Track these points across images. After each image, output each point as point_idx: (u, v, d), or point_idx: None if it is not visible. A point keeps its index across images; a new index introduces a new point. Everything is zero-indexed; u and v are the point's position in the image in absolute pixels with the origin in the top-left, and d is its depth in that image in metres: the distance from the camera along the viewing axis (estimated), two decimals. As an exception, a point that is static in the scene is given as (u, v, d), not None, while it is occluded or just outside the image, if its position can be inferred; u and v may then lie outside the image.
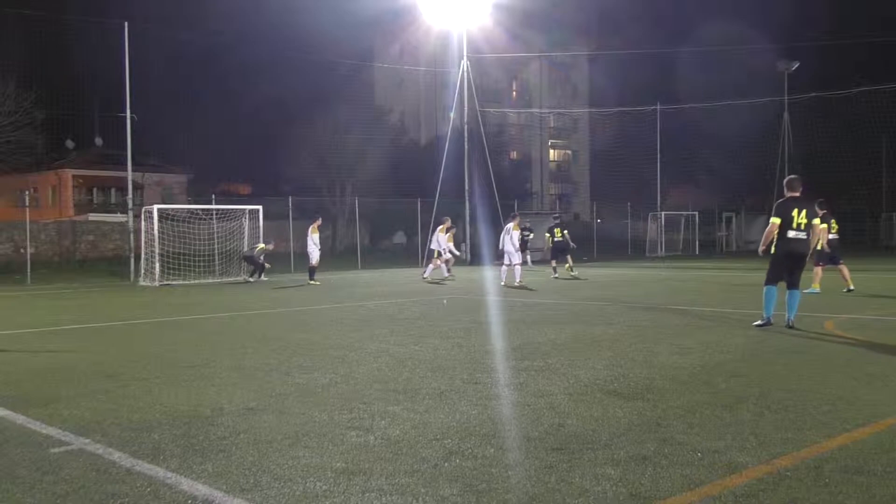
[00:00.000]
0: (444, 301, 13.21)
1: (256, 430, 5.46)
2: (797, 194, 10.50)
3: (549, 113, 74.94)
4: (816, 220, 10.65)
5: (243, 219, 26.94)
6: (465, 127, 38.97)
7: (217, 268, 26.22)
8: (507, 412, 5.98)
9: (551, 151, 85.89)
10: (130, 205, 29.01)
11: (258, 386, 7.09)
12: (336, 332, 11.22)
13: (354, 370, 7.88)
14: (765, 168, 56.75)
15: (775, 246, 10.46)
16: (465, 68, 38.26)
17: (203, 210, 27.89)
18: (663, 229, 47.35)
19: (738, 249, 50.57)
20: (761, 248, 10.74)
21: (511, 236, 20.89)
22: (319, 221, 23.80)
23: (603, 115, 58.41)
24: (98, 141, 53.58)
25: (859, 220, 60.80)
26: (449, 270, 24.97)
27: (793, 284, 10.49)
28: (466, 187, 38.85)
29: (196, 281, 24.44)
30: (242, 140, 55.15)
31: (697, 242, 48.73)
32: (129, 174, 28.00)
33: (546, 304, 15.13)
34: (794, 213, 10.26)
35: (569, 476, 4.34)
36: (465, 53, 38.25)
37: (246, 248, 25.68)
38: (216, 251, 26.58)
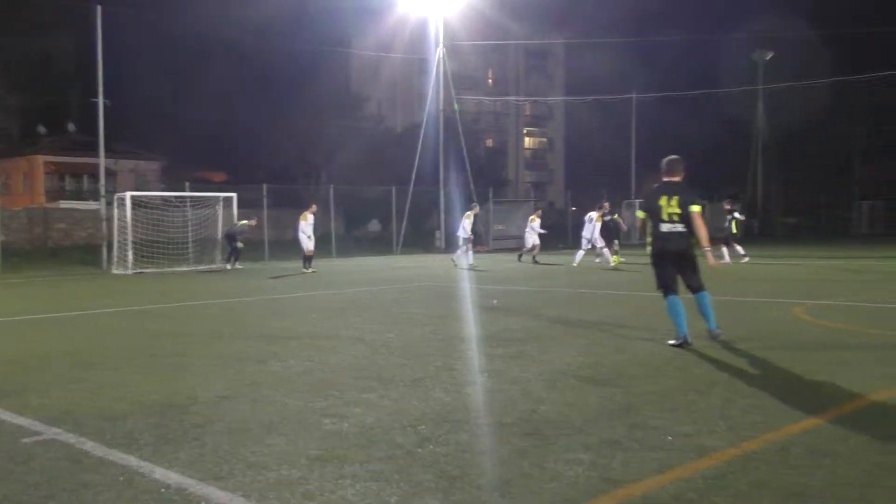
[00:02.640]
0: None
1: (230, 419, 5.46)
2: (673, 179, 8.41)
3: (525, 101, 75.00)
4: (695, 207, 8.19)
5: (217, 206, 26.76)
6: (441, 115, 38.93)
7: (191, 256, 26.04)
8: (481, 398, 6.02)
9: (527, 139, 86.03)
10: (103, 192, 28.66)
11: (232, 374, 7.08)
12: (311, 319, 11.20)
13: (329, 358, 7.89)
14: (739, 156, 57.26)
15: (650, 244, 8.48)
16: (442, 56, 38.19)
17: (177, 197, 27.66)
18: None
19: (712, 237, 50.97)
20: (648, 249, 8.72)
21: (594, 226, 22.82)
22: (313, 209, 22.58)
23: (579, 104, 58.56)
24: (70, 127, 52.87)
25: (833, 209, 61.55)
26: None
27: (694, 288, 8.48)
28: (442, 175, 38.86)
29: (170, 269, 24.26)
30: (218, 127, 54.69)
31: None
32: (102, 160, 27.66)
33: (522, 292, 15.20)
34: (663, 201, 8.23)
35: (542, 461, 4.38)
36: (441, 41, 38.17)
37: (227, 228, 25.30)
38: (190, 239, 26.39)
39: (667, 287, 8.36)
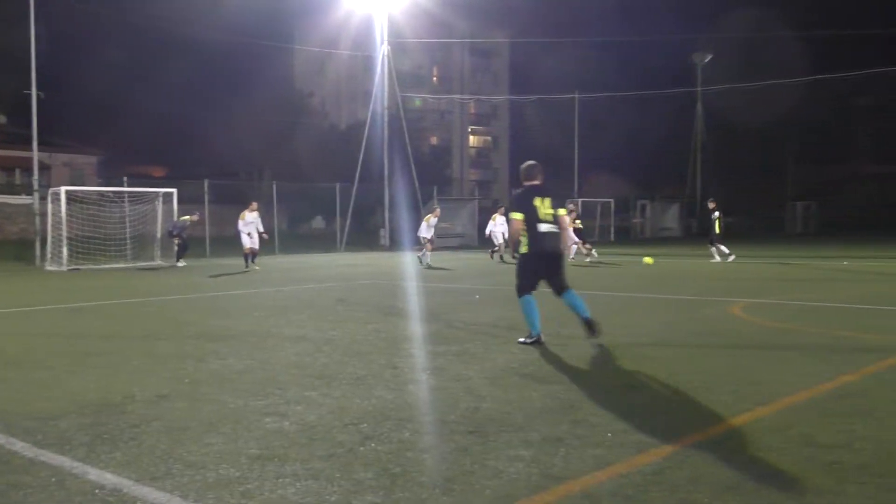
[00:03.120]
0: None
1: (168, 418, 5.35)
2: (537, 183, 8.59)
3: (470, 99, 75.23)
4: (563, 211, 8.54)
5: (157, 202, 26.25)
6: (386, 112, 38.81)
7: (129, 252, 25.50)
8: (423, 396, 6.01)
9: (471, 137, 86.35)
10: (36, 186, 27.89)
11: (171, 373, 6.94)
12: (252, 317, 11.06)
13: (271, 356, 7.80)
14: (678, 156, 58.35)
15: (527, 245, 8.42)
16: (386, 53, 38.07)
17: (114, 192, 27.05)
18: (580, 216, 48.16)
19: (651, 236, 51.86)
20: (513, 252, 8.91)
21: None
22: (253, 207, 21.92)
23: (523, 103, 58.96)
24: (2, 119, 51.31)
25: (767, 209, 63.13)
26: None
27: (561, 289, 8.48)
28: (386, 172, 38.75)
29: (107, 266, 23.72)
30: (158, 122, 53.70)
31: (613, 229, 49.77)
32: (35, 154, 26.91)
33: (467, 289, 15.23)
34: (538, 202, 8.36)
35: (483, 458, 4.39)
36: (385, 38, 38.04)
37: (172, 228, 24.79)
38: (128, 235, 25.83)
39: (529, 288, 8.47)
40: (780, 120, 57.81)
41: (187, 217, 24.50)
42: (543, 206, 8.36)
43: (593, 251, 24.60)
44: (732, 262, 22.34)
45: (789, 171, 66.09)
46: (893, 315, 10.60)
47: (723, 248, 23.26)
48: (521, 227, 8.41)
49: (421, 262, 23.38)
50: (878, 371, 6.68)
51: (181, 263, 23.98)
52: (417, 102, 72.20)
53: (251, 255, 21.75)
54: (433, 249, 24.52)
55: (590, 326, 8.26)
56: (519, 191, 8.87)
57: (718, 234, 23.48)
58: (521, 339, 8.48)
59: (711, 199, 24.17)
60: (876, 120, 60.64)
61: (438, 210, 25.84)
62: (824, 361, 7.14)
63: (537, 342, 8.28)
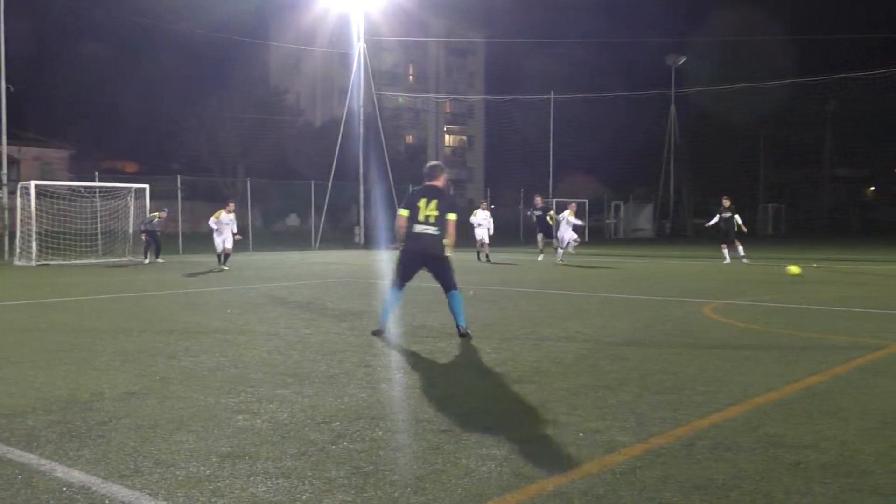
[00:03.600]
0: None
1: (138, 415, 5.31)
2: (434, 183, 8.81)
3: (446, 98, 75.23)
4: (451, 216, 8.61)
5: (129, 197, 26.01)
6: (361, 110, 38.71)
7: (100, 248, 25.24)
8: (396, 395, 6.01)
9: (447, 137, 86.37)
10: (5, 180, 27.51)
11: (141, 370, 6.88)
12: (225, 315, 10.99)
13: (243, 353, 7.75)
14: (652, 158, 58.77)
15: (404, 241, 8.81)
16: (363, 51, 37.97)
17: (85, 187, 26.75)
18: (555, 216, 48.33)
19: (625, 236, 52.18)
20: (396, 245, 9.11)
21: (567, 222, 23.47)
22: (230, 207, 21.01)
23: (498, 102, 59.07)
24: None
25: (739, 210, 63.56)
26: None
27: (446, 287, 8.79)
28: (361, 170, 38.66)
29: (78, 261, 23.46)
30: (130, 116, 53.06)
31: (587, 229, 50.00)
32: (4, 147, 26.54)
33: (440, 289, 15.21)
34: (422, 203, 8.58)
35: (455, 457, 4.40)
36: (362, 36, 37.95)
37: (140, 224, 24.51)
38: (99, 230, 25.57)
39: (395, 282, 8.87)
40: (753, 123, 58.42)
41: (156, 213, 24.22)
42: (426, 208, 8.57)
43: (559, 251, 24.07)
44: (735, 262, 22.43)
45: (761, 174, 66.79)
46: (860, 317, 10.75)
47: (740, 248, 22.86)
48: (404, 223, 8.69)
49: None
50: (844, 372, 6.78)
51: (147, 260, 23.69)
52: (400, 100, 72.13)
53: (224, 256, 20.93)
54: None
55: (461, 334, 8.68)
56: (414, 189, 9.21)
57: (738, 232, 23.08)
58: (373, 330, 8.97)
59: (726, 197, 23.72)
60: (844, 124, 61.46)
61: (484, 203, 25.35)
62: (792, 362, 7.23)
63: (380, 332, 8.76)
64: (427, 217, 8.57)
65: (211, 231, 21.08)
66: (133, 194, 25.99)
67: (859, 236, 48.57)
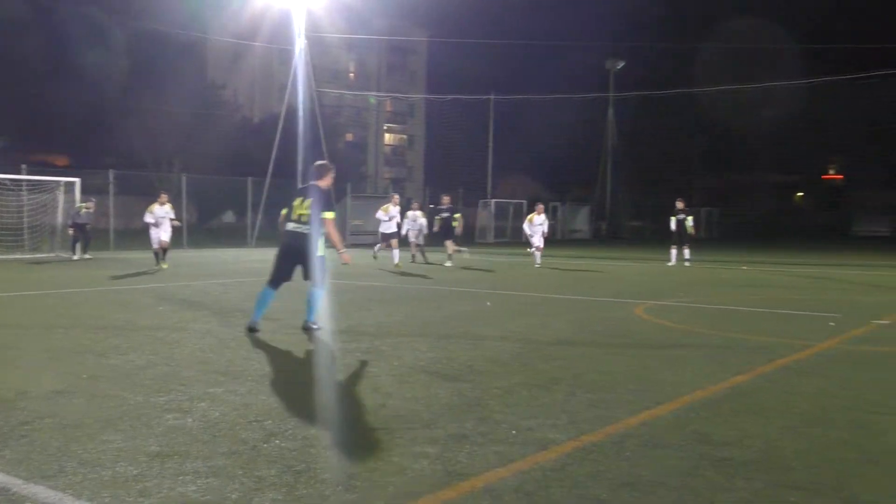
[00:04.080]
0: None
1: (64, 415, 5.17)
2: (318, 183, 8.91)
3: (386, 97, 75.06)
4: (327, 215, 8.62)
5: (57, 191, 25.29)
6: (301, 107, 38.34)
7: (27, 243, 24.49)
8: (330, 393, 5.99)
9: (387, 135, 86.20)
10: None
11: (68, 368, 6.71)
12: (157, 312, 10.78)
13: (175, 351, 7.62)
14: (589, 160, 59.54)
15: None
16: (303, 48, 37.63)
17: (11, 180, 25.90)
18: (493, 217, 48.68)
19: (562, 237, 52.75)
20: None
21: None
22: (162, 199, 19.66)
23: (439, 102, 59.16)
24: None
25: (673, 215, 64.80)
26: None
27: (276, 281, 8.98)
28: (300, 168, 38.28)
29: (3, 256, 22.73)
30: (60, 108, 51.54)
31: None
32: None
33: (377, 288, 15.21)
34: (297, 202, 8.77)
35: (388, 455, 4.40)
36: (302, 32, 37.60)
37: (69, 219, 23.71)
38: (26, 225, 24.80)
39: (272, 280, 8.94)
40: (688, 127, 59.70)
41: (82, 205, 23.44)
42: (300, 207, 8.69)
43: (463, 252, 22.97)
44: (676, 265, 22.78)
45: (696, 178, 68.28)
46: (785, 318, 11.07)
47: (686, 252, 23.16)
48: (283, 220, 8.87)
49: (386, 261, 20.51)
50: (768, 371, 6.98)
51: (76, 256, 22.97)
52: (371, 100, 71.71)
53: (161, 252, 19.45)
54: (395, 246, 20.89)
55: (305, 328, 8.91)
56: (297, 189, 9.32)
57: (689, 234, 23.28)
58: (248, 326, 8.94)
59: (680, 199, 23.91)
60: (776, 131, 63.29)
61: (396, 197, 22.40)
62: (719, 362, 7.41)
63: (251, 329, 8.77)
64: (300, 216, 8.67)
65: (147, 227, 19.89)
66: (62, 188, 25.27)
67: (788, 240, 50.00)
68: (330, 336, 8.77)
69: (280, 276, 8.91)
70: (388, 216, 21.32)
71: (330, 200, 8.82)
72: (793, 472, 4.20)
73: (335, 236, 8.78)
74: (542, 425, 5.06)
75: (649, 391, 6.10)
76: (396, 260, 20.25)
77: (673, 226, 23.52)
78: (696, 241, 25.43)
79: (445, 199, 23.39)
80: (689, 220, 23.25)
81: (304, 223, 8.65)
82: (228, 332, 8.96)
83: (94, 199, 24.52)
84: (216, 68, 64.15)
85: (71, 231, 23.27)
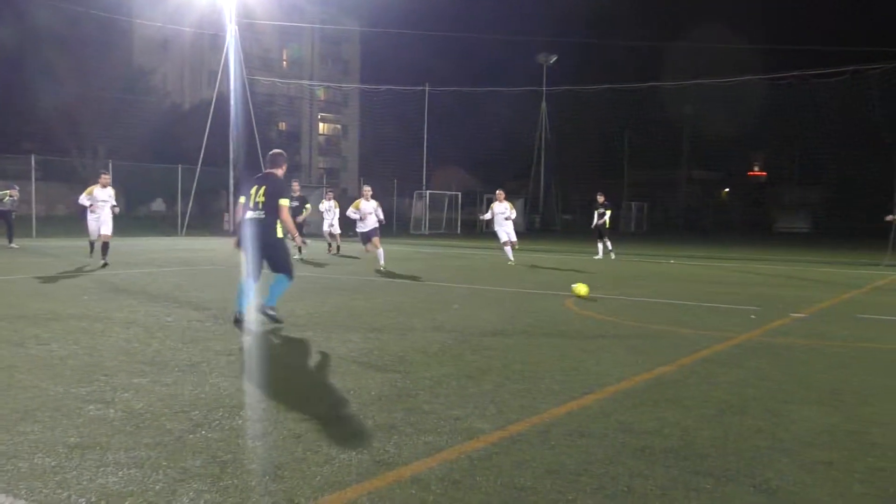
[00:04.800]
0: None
1: (-21, 406, 5.02)
2: (273, 171, 9.14)
3: (319, 86, 74.31)
4: (282, 201, 8.83)
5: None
6: (232, 94, 37.72)
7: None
8: (258, 384, 5.94)
9: (321, 125, 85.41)
10: None
11: (-15, 358, 6.51)
12: (81, 301, 10.52)
13: (98, 341, 7.46)
14: (523, 153, 60.04)
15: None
16: (234, 34, 37.00)
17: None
18: (428, 208, 48.73)
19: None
20: (233, 228, 9.34)
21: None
22: (103, 180, 17.20)
23: (373, 92, 58.84)
24: None
25: (609, 207, 65.83)
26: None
27: (277, 269, 9.02)
28: (232, 156, 37.70)
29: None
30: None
31: (460, 222, 50.64)
32: None
33: (307, 278, 15.10)
34: (253, 191, 8.87)
35: (316, 445, 4.40)
36: (233, 18, 36.98)
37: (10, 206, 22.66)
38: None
39: (251, 271, 8.87)
40: (617, 122, 60.61)
41: (6, 192, 22.56)
42: (257, 195, 8.81)
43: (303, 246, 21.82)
44: (601, 258, 23.09)
45: (625, 172, 69.43)
46: (707, 311, 11.39)
47: (608, 244, 23.50)
48: (241, 210, 8.94)
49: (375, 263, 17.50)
50: (689, 363, 7.18)
51: (14, 245, 22.01)
52: (318, 93, 70.58)
53: (104, 246, 16.66)
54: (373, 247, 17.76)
55: (263, 312, 8.81)
56: (253, 177, 9.29)
57: (608, 227, 23.59)
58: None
59: (600, 193, 24.04)
60: (699, 127, 64.84)
61: (368, 189, 18.41)
62: (644, 354, 7.59)
63: (237, 320, 8.67)
64: (257, 203, 8.79)
65: (83, 211, 17.48)
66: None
67: (713, 235, 51.29)
68: (261, 326, 8.69)
69: (253, 267, 8.86)
70: (359, 213, 17.81)
71: (283, 188, 9.02)
72: (708, 460, 4.34)
73: (289, 224, 8.95)
74: (470, 415, 5.13)
75: (575, 382, 6.22)
76: (382, 261, 17.25)
77: (595, 219, 23.89)
78: (618, 235, 25.79)
79: (296, 185, 21.29)
80: (608, 214, 23.60)
81: (261, 210, 8.76)
82: (155, 321, 8.80)
83: (16, 186, 23.61)
84: (144, 53, 62.47)
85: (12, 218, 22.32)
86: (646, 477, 4.04)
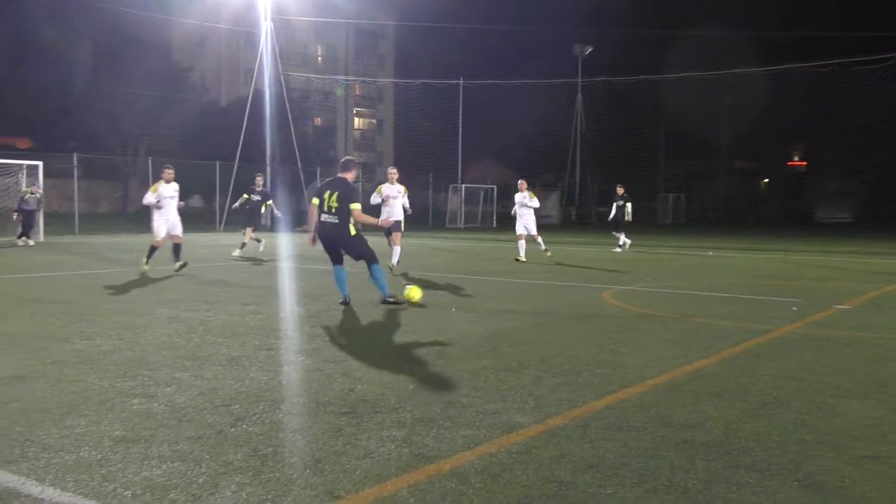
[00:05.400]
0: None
1: (27, 400, 5.13)
2: (344, 175, 9.99)
3: (355, 81, 74.62)
4: (354, 206, 9.71)
5: (20, 175, 24.86)
6: (268, 90, 38.02)
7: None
8: (298, 377, 5.99)
9: (356, 120, 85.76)
10: None
11: (31, 353, 6.64)
12: (123, 296, 10.69)
13: (141, 336, 7.57)
14: (558, 146, 59.76)
15: (315, 227, 10.02)
16: (269, 30, 37.27)
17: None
18: (463, 201, 48.71)
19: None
20: (304, 228, 10.44)
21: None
22: (168, 174, 15.44)
23: (407, 86, 58.92)
24: None
25: (641, 199, 65.44)
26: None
27: (365, 259, 10.06)
28: (269, 152, 38.03)
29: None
30: (22, 90, 50.49)
31: (495, 215, 50.56)
32: None
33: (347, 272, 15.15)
34: (326, 195, 9.75)
35: (355, 439, 4.43)
36: (268, 14, 37.24)
37: (17, 205, 23.07)
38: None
39: (332, 261, 10.14)
40: (654, 113, 60.07)
41: (28, 190, 22.86)
42: (329, 199, 9.71)
43: (247, 238, 19.73)
44: (622, 251, 22.87)
45: (661, 164, 68.80)
46: (748, 303, 11.24)
47: (622, 236, 23.27)
48: (314, 210, 9.87)
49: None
50: (730, 355, 7.10)
51: (21, 242, 22.23)
52: (339, 91, 70.98)
53: (175, 248, 14.97)
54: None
55: (383, 302, 9.99)
56: (324, 180, 10.29)
57: (626, 221, 23.29)
58: (340, 301, 10.05)
59: (620, 184, 23.86)
60: (738, 117, 63.99)
61: (395, 172, 16.02)
62: (683, 346, 7.52)
63: (344, 303, 9.96)
64: (330, 207, 9.69)
65: (148, 212, 15.70)
66: (25, 171, 24.84)
67: (752, 226, 50.64)
68: (299, 320, 8.76)
69: (334, 256, 10.05)
70: (381, 197, 15.44)
71: (356, 192, 10.06)
72: (751, 454, 4.29)
73: (367, 220, 10.12)
74: (509, 409, 5.11)
75: (614, 375, 6.18)
76: (395, 259, 15.01)
77: (613, 211, 23.66)
78: (653, 227, 25.59)
79: (259, 180, 20.22)
80: (629, 207, 23.40)
81: (334, 213, 9.69)
82: (195, 316, 8.91)
83: (36, 184, 23.91)
84: (182, 51, 63.23)
85: (15, 216, 22.65)
86: (687, 471, 4.00)
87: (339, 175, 9.97)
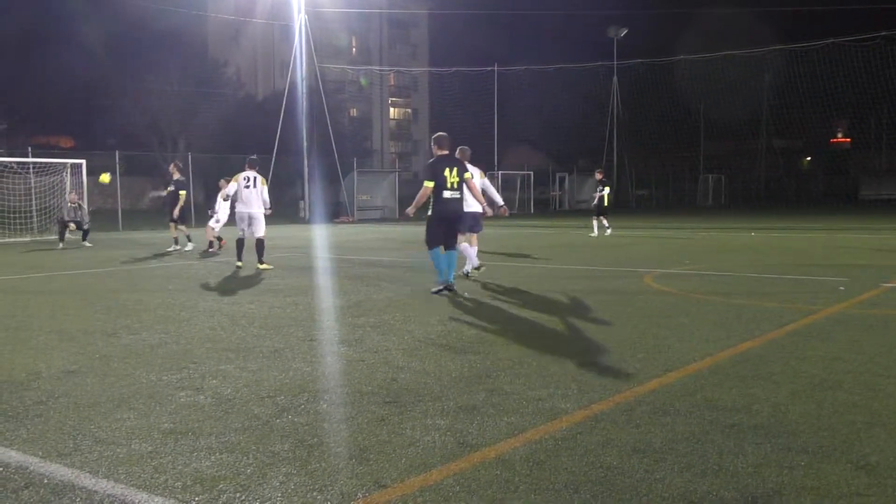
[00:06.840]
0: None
1: (77, 394, 5.22)
2: (447, 152, 10.19)
3: (389, 71, 74.66)
4: (468, 175, 10.25)
5: (64, 173, 25.30)
6: (304, 83, 38.19)
7: (36, 225, 24.56)
8: (341, 368, 6.02)
9: (392, 110, 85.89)
10: (-67, 157, 26.53)
11: (80, 348, 6.77)
12: (167, 291, 10.83)
13: (185, 329, 7.67)
14: (595, 130, 59.27)
15: (431, 208, 10.14)
16: (304, 23, 37.41)
17: (18, 163, 25.93)
18: (500, 188, 48.54)
19: (570, 208, 52.67)
20: (412, 210, 10.40)
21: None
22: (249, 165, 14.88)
23: (442, 75, 58.82)
24: None
25: (680, 181, 64.75)
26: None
27: (450, 245, 10.16)
28: (305, 144, 38.23)
29: (11, 239, 22.81)
30: (64, 89, 51.41)
31: (532, 201, 50.34)
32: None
33: (385, 263, 15.23)
34: (447, 172, 9.94)
35: (400, 428, 4.44)
36: (302, 7, 37.37)
37: (65, 214, 23.25)
38: (34, 208, 24.84)
39: (435, 242, 10.13)
40: (692, 94, 59.25)
41: (68, 199, 23.07)
42: (451, 176, 9.95)
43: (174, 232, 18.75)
44: (603, 235, 22.59)
45: (701, 145, 67.90)
46: (792, 283, 11.07)
47: (604, 221, 23.11)
48: (428, 193, 10.01)
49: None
50: (776, 337, 6.99)
51: (88, 244, 22.55)
52: (364, 82, 71.31)
53: (258, 244, 14.10)
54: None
55: (448, 287, 10.02)
56: (431, 161, 10.24)
57: (607, 206, 23.30)
58: (434, 290, 10.05)
59: (600, 169, 23.89)
60: (779, 96, 62.85)
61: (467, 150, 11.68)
62: (727, 328, 7.42)
63: (447, 288, 10.00)
64: (453, 184, 9.99)
65: (214, 207, 16.26)
66: (69, 170, 25.28)
67: (796, 205, 49.77)
68: (340, 311, 8.81)
69: (440, 237, 10.07)
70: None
71: (466, 167, 10.32)
72: (801, 437, 4.22)
73: (477, 193, 10.75)
74: (553, 395, 5.09)
75: (658, 359, 6.12)
76: (476, 263, 12.37)
77: (595, 200, 23.55)
78: (693, 209, 25.33)
79: (173, 168, 19.15)
80: (607, 191, 23.23)
81: (456, 189, 10.04)
82: (238, 309, 9.00)
83: (74, 191, 24.06)
84: (217, 46, 63.84)
85: (71, 226, 22.93)
86: (736, 454, 3.94)
87: (441, 153, 10.13)
